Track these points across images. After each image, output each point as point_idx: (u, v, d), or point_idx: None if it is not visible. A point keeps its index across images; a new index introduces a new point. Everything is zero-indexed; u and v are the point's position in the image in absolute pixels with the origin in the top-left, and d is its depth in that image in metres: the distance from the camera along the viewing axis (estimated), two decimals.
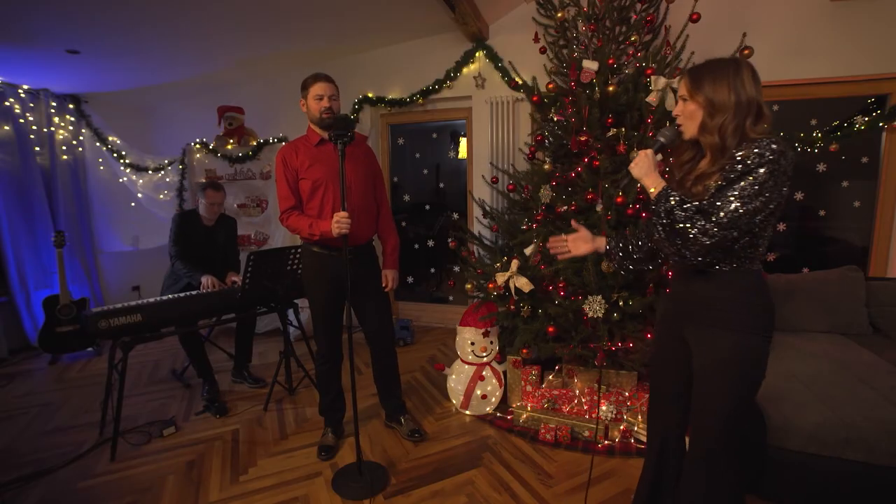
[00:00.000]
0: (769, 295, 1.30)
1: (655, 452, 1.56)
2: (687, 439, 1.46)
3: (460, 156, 4.26)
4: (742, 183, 1.15)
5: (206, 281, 2.78)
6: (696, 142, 1.34)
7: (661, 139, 1.36)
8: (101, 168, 4.41)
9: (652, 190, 1.30)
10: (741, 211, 1.14)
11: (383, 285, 2.32)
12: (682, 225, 1.20)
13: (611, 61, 2.51)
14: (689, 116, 1.30)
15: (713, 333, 1.30)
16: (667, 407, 1.52)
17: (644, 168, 1.32)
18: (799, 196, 3.23)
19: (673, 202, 1.24)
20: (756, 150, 1.15)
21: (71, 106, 4.27)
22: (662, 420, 1.54)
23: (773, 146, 1.14)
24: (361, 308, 2.32)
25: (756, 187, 1.13)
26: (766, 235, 1.25)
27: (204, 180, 4.13)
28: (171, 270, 2.95)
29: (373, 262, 2.33)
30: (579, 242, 1.62)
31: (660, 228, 1.25)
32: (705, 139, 1.26)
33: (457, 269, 4.10)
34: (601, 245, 1.61)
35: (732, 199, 1.14)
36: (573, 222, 1.65)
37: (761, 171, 1.13)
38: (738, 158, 1.17)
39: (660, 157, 1.38)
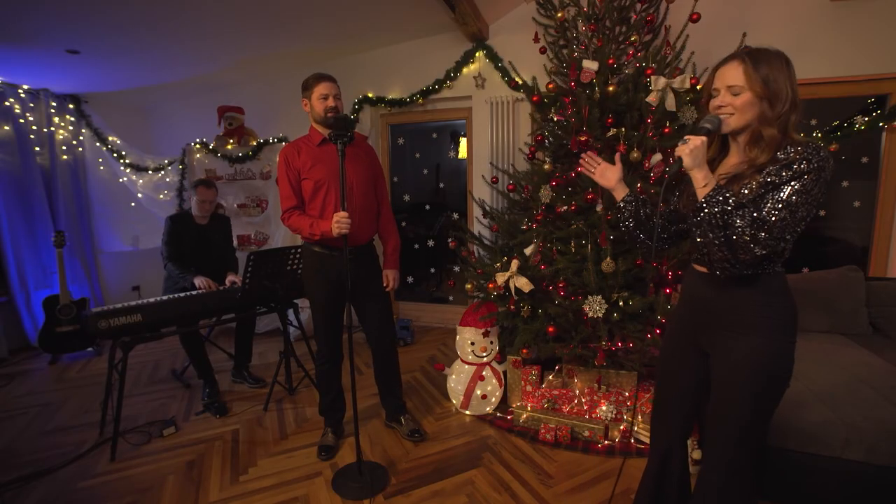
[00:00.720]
0: (793, 297, 1.24)
1: (659, 457, 1.51)
2: (690, 443, 1.43)
3: (460, 156, 4.26)
4: (789, 189, 1.08)
5: (199, 282, 2.78)
6: (723, 138, 1.28)
7: (708, 125, 1.21)
8: (101, 168, 4.41)
9: (704, 186, 1.18)
10: (789, 219, 1.08)
11: (384, 285, 2.32)
12: (738, 232, 1.11)
13: (611, 61, 2.51)
14: (744, 107, 1.17)
15: (736, 339, 1.23)
16: (674, 414, 1.48)
17: (699, 157, 1.18)
18: None
19: (731, 206, 1.12)
20: (804, 154, 1.09)
21: (71, 106, 4.26)
22: (668, 426, 1.50)
23: (821, 153, 1.08)
24: (362, 308, 2.33)
25: (804, 195, 1.08)
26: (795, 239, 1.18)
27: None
28: (167, 272, 2.95)
29: (374, 262, 2.33)
30: (607, 174, 1.51)
31: (715, 234, 1.14)
32: (766, 132, 1.16)
33: (457, 269, 4.11)
34: (619, 194, 1.48)
35: (781, 206, 1.08)
36: (617, 157, 1.55)
37: (808, 177, 1.07)
38: (785, 161, 1.10)
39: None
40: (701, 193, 1.18)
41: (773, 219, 1.09)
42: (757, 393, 1.21)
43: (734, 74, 1.18)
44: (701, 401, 1.43)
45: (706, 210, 1.15)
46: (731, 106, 1.19)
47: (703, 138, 1.18)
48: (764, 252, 1.09)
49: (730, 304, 1.24)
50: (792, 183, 1.09)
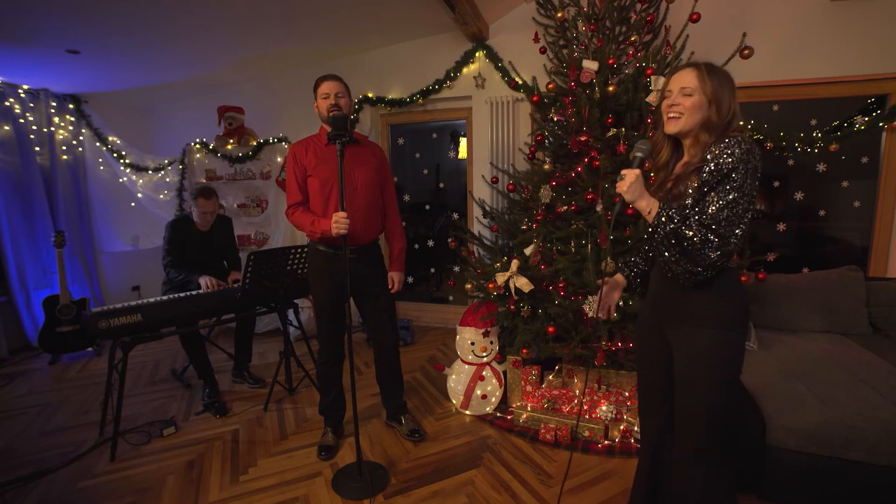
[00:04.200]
0: (744, 291, 1.34)
1: (648, 450, 1.57)
2: None
3: (460, 156, 4.26)
4: (723, 188, 1.17)
5: (205, 282, 2.78)
6: (674, 141, 1.37)
7: (640, 154, 1.33)
8: (101, 168, 4.41)
9: (649, 212, 1.27)
10: (731, 216, 1.16)
11: (389, 285, 2.32)
12: (691, 243, 1.19)
13: (611, 61, 2.51)
14: (693, 108, 1.27)
15: (693, 331, 1.32)
16: (656, 407, 1.54)
17: (637, 191, 1.28)
18: (799, 196, 3.23)
19: (676, 221, 1.21)
20: (725, 150, 1.17)
21: (71, 106, 4.26)
22: (653, 420, 1.55)
23: (742, 144, 1.17)
24: (365, 308, 2.33)
25: (737, 191, 1.16)
26: (747, 233, 1.26)
27: (204, 180, 4.13)
28: (167, 278, 2.91)
29: (378, 263, 2.33)
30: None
31: (670, 252, 1.23)
32: (702, 137, 1.27)
33: (457, 269, 4.11)
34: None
35: (721, 204, 1.17)
36: (617, 277, 1.65)
37: (736, 173, 1.16)
38: (712, 164, 1.19)
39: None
40: (648, 219, 1.27)
41: (720, 219, 1.17)
42: (713, 380, 1.30)
43: (689, 78, 1.28)
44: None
45: (659, 231, 1.24)
46: (681, 106, 1.28)
47: (637, 171, 1.29)
48: (718, 253, 1.17)
49: (688, 300, 1.33)
50: (723, 183, 1.18)
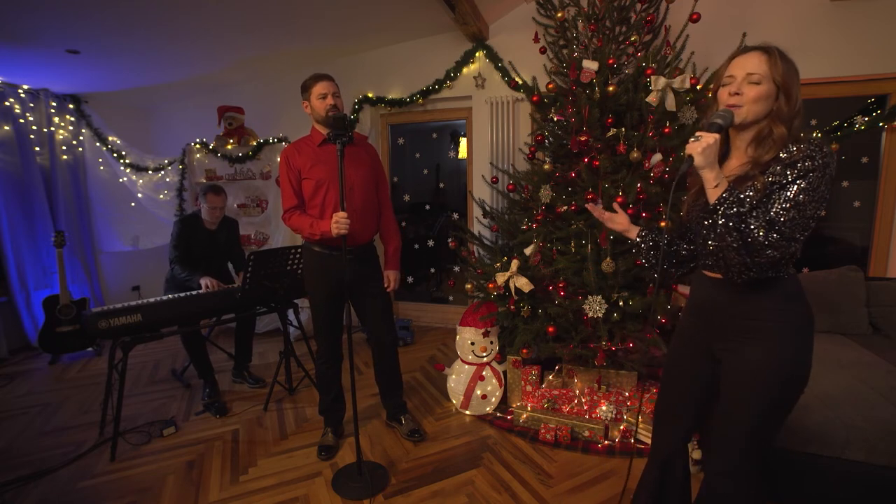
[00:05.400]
0: (808, 301, 1.20)
1: (660, 463, 1.49)
2: (690, 447, 1.41)
3: (460, 156, 4.26)
4: (796, 188, 1.06)
5: (205, 282, 2.78)
6: (725, 140, 1.25)
7: (720, 121, 1.15)
8: (101, 168, 4.41)
9: (715, 186, 1.13)
10: (798, 218, 1.06)
11: (385, 284, 2.33)
12: (753, 234, 1.08)
13: (611, 61, 2.51)
14: (758, 98, 1.13)
15: (752, 345, 1.19)
16: (678, 421, 1.45)
17: (711, 156, 1.12)
18: None
19: (746, 206, 1.10)
20: (807, 152, 1.07)
21: (71, 106, 4.26)
22: (671, 434, 1.47)
23: (824, 149, 1.06)
24: (363, 307, 2.33)
25: (811, 193, 1.06)
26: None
27: (204, 180, 4.13)
28: (170, 274, 2.94)
29: (374, 262, 2.33)
30: (617, 219, 1.54)
31: (732, 237, 1.10)
32: (777, 129, 1.12)
33: (457, 269, 4.11)
34: (633, 233, 1.51)
35: (790, 205, 1.06)
36: (615, 206, 1.59)
37: (813, 175, 1.06)
38: (789, 161, 1.08)
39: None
40: (713, 195, 1.13)
41: (783, 219, 1.06)
42: (773, 398, 1.19)
43: (756, 63, 1.13)
44: (706, 407, 1.42)
45: (721, 211, 1.11)
46: (745, 96, 1.14)
47: (716, 135, 1.12)
48: (777, 254, 1.07)
49: (744, 310, 1.21)
50: (798, 182, 1.06)
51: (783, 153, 1.10)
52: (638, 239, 1.50)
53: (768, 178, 1.11)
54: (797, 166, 1.07)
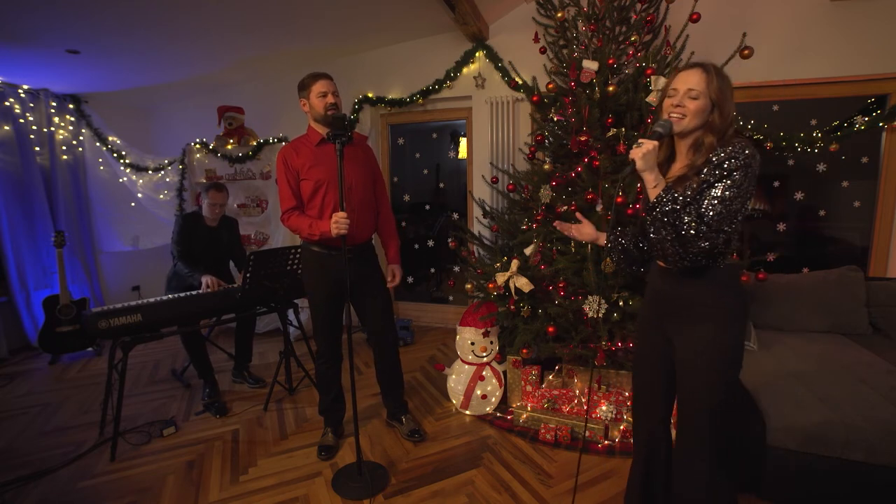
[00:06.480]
0: (743, 288, 1.39)
1: (644, 446, 1.58)
2: (674, 433, 1.48)
3: (460, 156, 4.26)
4: (722, 186, 1.21)
5: (206, 281, 2.78)
6: (671, 146, 1.40)
7: (660, 129, 1.31)
8: (101, 168, 4.41)
9: (654, 187, 1.29)
10: (724, 213, 1.20)
11: (389, 279, 2.32)
12: (685, 228, 1.22)
13: (611, 61, 2.51)
14: (696, 111, 1.28)
15: (694, 328, 1.35)
16: (652, 403, 1.55)
17: (650, 161, 1.28)
18: (799, 196, 3.23)
19: (679, 204, 1.24)
20: (731, 154, 1.21)
21: (71, 106, 4.26)
22: (648, 416, 1.57)
23: (746, 150, 1.21)
24: (363, 307, 2.32)
25: (735, 189, 1.20)
26: (738, 231, 1.30)
27: (205, 180, 4.13)
28: (173, 271, 2.96)
29: (373, 261, 2.32)
30: (584, 230, 1.70)
31: (666, 230, 1.25)
32: (707, 139, 1.28)
33: (457, 269, 4.11)
34: (602, 239, 1.66)
35: (717, 202, 1.21)
36: (578, 215, 1.71)
37: (737, 174, 1.20)
38: (716, 162, 1.23)
39: None
40: (653, 194, 1.29)
41: (711, 213, 1.21)
42: (714, 375, 1.33)
43: (696, 79, 1.28)
44: (674, 391, 1.51)
45: (658, 209, 1.26)
46: (685, 108, 1.29)
47: (655, 143, 1.28)
48: (707, 244, 1.21)
49: (686, 296, 1.36)
50: (724, 180, 1.21)
51: (713, 156, 1.25)
52: (608, 244, 1.63)
53: (702, 178, 1.25)
54: (723, 166, 1.22)
